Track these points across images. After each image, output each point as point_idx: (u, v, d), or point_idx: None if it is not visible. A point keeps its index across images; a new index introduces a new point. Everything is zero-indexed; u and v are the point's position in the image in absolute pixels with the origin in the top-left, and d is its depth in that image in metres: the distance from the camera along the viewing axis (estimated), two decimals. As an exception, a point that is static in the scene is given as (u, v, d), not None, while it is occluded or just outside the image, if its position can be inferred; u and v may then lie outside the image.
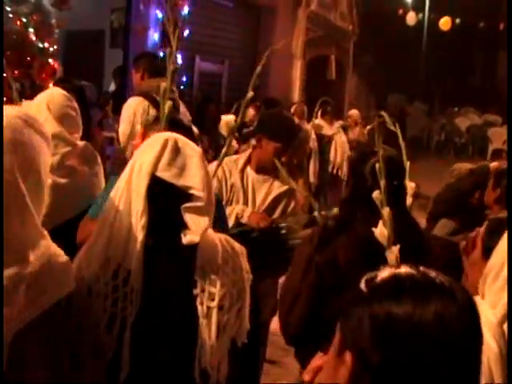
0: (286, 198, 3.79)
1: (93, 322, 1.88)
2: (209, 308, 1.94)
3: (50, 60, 7.69)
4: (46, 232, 1.72)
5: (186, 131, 2.95)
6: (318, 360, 1.43)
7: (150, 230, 1.91)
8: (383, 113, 2.54)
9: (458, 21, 21.45)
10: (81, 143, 3.45)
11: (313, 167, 8.49)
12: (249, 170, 3.80)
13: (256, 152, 3.82)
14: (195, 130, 3.87)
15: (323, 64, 13.46)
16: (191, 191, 1.92)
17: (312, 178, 8.38)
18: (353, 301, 1.25)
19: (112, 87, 8.84)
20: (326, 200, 8.61)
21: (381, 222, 2.31)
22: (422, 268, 1.23)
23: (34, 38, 7.63)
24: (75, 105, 3.49)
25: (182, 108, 4.83)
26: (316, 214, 2.78)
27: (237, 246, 2.08)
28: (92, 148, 3.54)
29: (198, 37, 9.32)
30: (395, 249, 2.31)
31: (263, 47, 11.88)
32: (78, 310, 1.75)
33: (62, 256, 1.73)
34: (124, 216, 1.93)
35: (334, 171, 8.97)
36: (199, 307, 1.94)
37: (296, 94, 12.13)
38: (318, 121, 9.26)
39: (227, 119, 3.46)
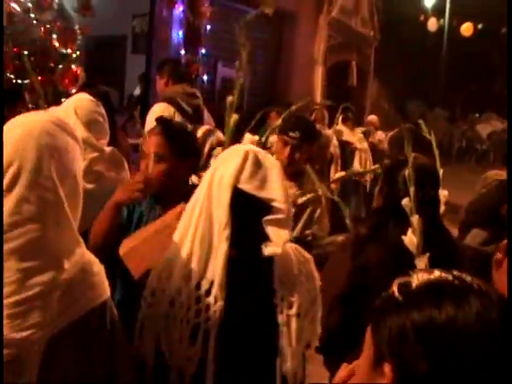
0: (312, 204, 3.76)
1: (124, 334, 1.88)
2: (288, 316, 1.98)
3: (73, 66, 7.72)
4: (81, 239, 1.73)
5: (183, 135, 2.95)
6: (343, 371, 1.41)
7: (232, 241, 1.93)
8: (420, 121, 2.50)
9: (480, 26, 21.31)
10: (108, 149, 3.45)
11: (334, 173, 8.45)
12: None
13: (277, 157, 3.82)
14: (221, 136, 3.86)
15: (344, 70, 13.42)
16: (273, 203, 1.94)
17: (333, 184, 8.33)
18: (387, 310, 1.23)
19: (137, 91, 8.86)
20: (349, 206, 8.57)
21: (410, 230, 2.29)
22: (455, 272, 1.22)
23: (57, 45, 7.67)
24: (103, 111, 3.49)
25: (206, 114, 4.83)
26: (347, 221, 2.76)
27: (306, 254, 2.14)
28: (119, 154, 3.53)
29: (220, 43, 9.33)
30: (425, 257, 2.28)
31: (285, 53, 11.96)
32: (115, 318, 1.75)
33: (97, 264, 1.73)
34: (205, 227, 1.95)
35: (357, 177, 8.94)
36: (279, 316, 1.98)
37: (317, 100, 12.10)
38: (339, 127, 9.23)
39: (251, 139, 3.46)
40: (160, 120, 2.97)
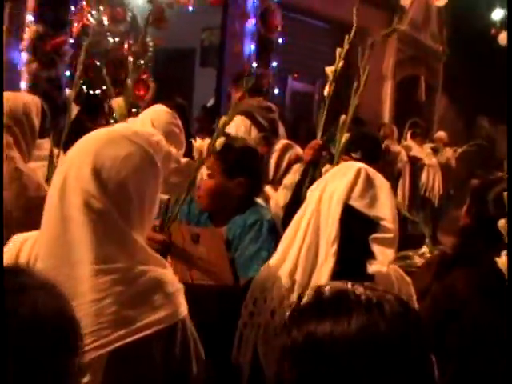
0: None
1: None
2: None
3: (145, 77, 7.84)
4: (158, 256, 1.69)
5: (235, 153, 2.90)
6: None
7: (338, 257, 1.94)
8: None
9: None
10: (184, 160, 3.44)
11: (401, 189, 8.32)
12: None
13: None
14: (300, 151, 3.82)
15: (413, 85, 13.25)
16: (382, 222, 1.96)
17: (400, 200, 8.21)
18: (278, 335, 1.22)
19: (211, 102, 8.92)
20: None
21: (504, 252, 2.20)
22: (350, 284, 1.20)
23: (129, 56, 7.80)
24: (179, 122, 3.48)
25: (281, 129, 4.79)
26: (427, 241, 2.70)
27: (406, 277, 2.15)
28: (195, 164, 3.52)
29: (290, 57, 9.32)
30: (519, 280, 2.19)
31: (354, 67, 11.85)
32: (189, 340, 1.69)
33: (172, 285, 1.67)
34: (312, 240, 1.96)
35: (427, 194, 8.82)
36: None
37: (386, 115, 11.97)
38: (408, 142, 9.12)
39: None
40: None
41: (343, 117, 2.91)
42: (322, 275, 1.92)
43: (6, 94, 2.96)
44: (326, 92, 3.16)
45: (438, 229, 8.94)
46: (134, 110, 7.05)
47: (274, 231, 2.78)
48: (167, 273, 1.68)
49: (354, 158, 3.65)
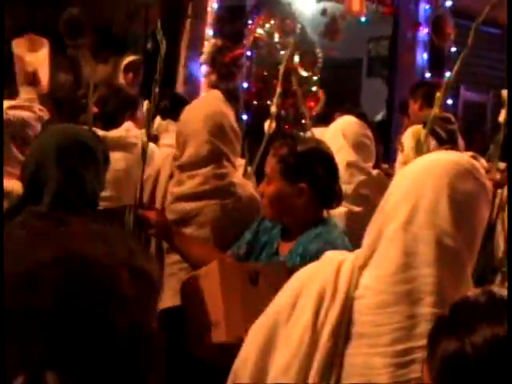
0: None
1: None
2: None
3: (314, 88, 7.92)
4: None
5: (297, 155, 2.74)
6: None
7: None
8: None
9: None
10: (374, 172, 3.46)
11: None
12: None
13: None
14: (484, 163, 3.70)
15: None
16: None
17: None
18: (440, 333, 1.13)
19: (381, 115, 8.86)
20: None
21: None
22: None
23: (298, 68, 7.92)
24: (369, 133, 3.52)
25: (460, 141, 4.70)
26: None
27: None
28: (386, 177, 3.52)
29: (463, 65, 9.08)
30: None
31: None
32: None
33: None
34: None
35: None
36: None
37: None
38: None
39: None
40: (275, 137, 2.82)
41: None
42: None
43: (202, 114, 2.92)
44: (501, 118, 2.98)
45: None
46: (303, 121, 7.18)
47: None
48: None
49: None
